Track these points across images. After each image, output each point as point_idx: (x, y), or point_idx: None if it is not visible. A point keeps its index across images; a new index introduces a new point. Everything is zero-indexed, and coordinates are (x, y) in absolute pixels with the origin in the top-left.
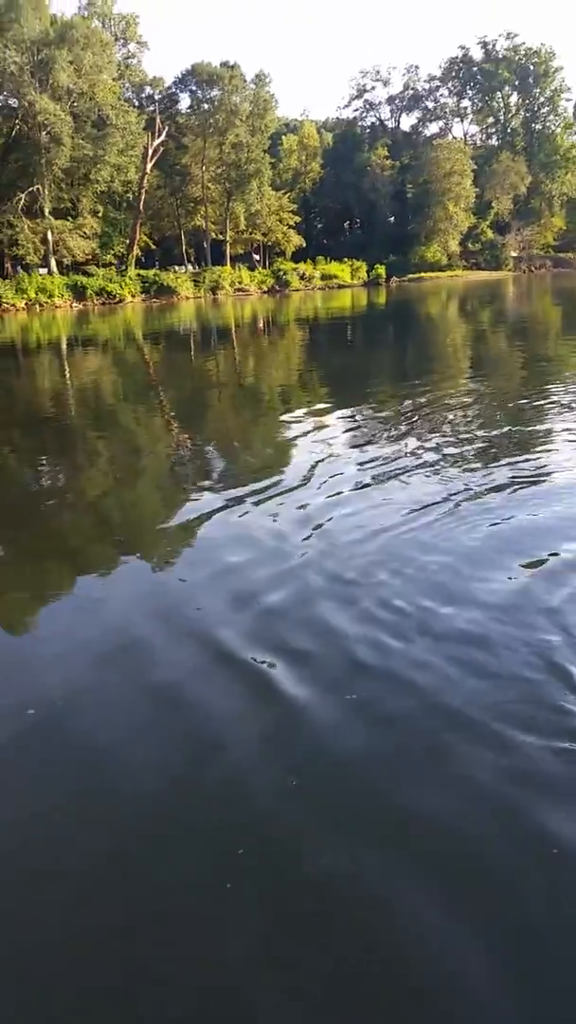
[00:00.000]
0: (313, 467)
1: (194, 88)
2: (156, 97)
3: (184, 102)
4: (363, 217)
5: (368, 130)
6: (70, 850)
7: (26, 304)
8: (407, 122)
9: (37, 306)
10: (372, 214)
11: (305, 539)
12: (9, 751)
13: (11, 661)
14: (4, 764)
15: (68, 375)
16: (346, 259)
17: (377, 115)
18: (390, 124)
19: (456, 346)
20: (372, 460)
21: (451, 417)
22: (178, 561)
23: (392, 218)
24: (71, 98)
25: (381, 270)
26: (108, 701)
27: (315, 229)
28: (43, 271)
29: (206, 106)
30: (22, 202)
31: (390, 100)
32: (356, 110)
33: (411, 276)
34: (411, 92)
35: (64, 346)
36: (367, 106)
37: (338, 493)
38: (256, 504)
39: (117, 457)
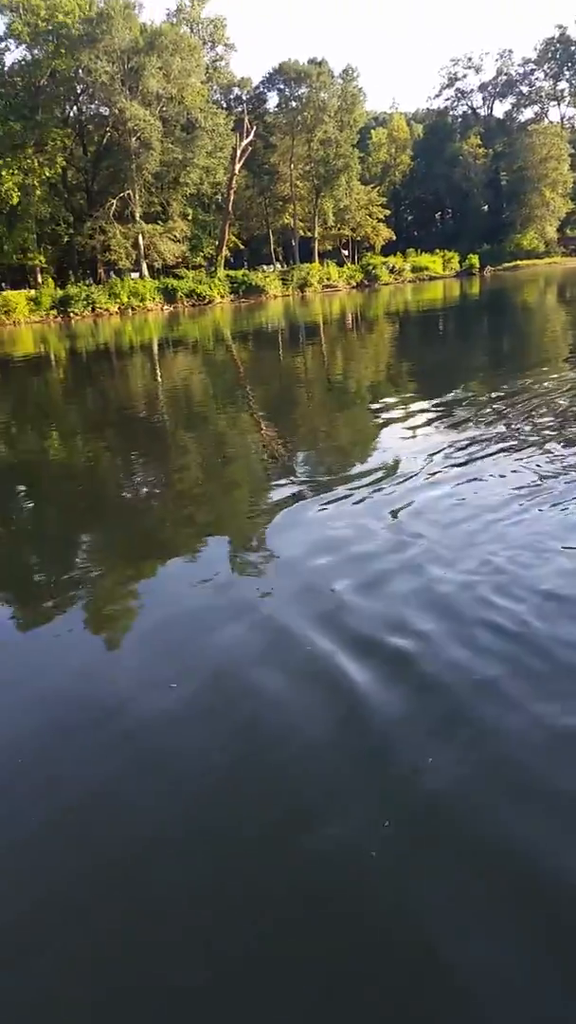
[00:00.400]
0: (408, 460)
1: (282, 86)
2: (244, 98)
3: (272, 101)
4: (455, 207)
5: (460, 119)
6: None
7: (119, 308)
8: (500, 108)
9: (130, 310)
10: (464, 204)
11: (413, 532)
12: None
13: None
14: (174, 727)
15: (159, 375)
16: (438, 250)
17: (469, 103)
18: (482, 112)
19: (555, 335)
20: (468, 451)
21: (550, 406)
22: (289, 551)
23: (486, 207)
24: (160, 103)
25: (474, 260)
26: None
27: (405, 221)
28: (135, 275)
29: (294, 104)
30: (114, 208)
31: (482, 87)
32: (447, 99)
33: (506, 265)
34: (504, 78)
35: (155, 348)
36: (458, 95)
37: (436, 485)
38: (357, 496)
39: (207, 453)
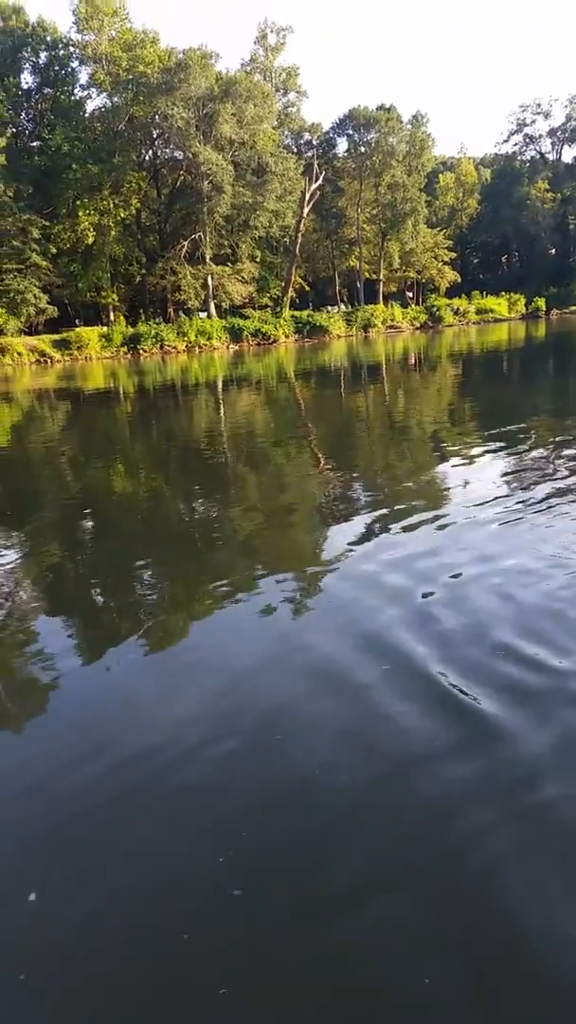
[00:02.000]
0: (468, 503)
1: (351, 132)
2: (314, 142)
3: (341, 146)
4: (522, 250)
5: (528, 164)
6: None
7: (187, 346)
8: (569, 153)
9: (197, 348)
10: (531, 247)
11: (474, 579)
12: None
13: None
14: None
15: (222, 412)
16: (503, 293)
17: (537, 148)
18: (551, 157)
19: None
20: (528, 496)
21: None
22: (346, 593)
23: (553, 250)
24: (233, 148)
25: (541, 303)
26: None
27: (471, 264)
28: (203, 314)
29: (363, 149)
30: (185, 249)
31: (551, 133)
32: (515, 144)
33: (573, 308)
34: (574, 123)
35: (220, 385)
36: (527, 140)
37: (494, 528)
38: (415, 539)
39: (266, 490)
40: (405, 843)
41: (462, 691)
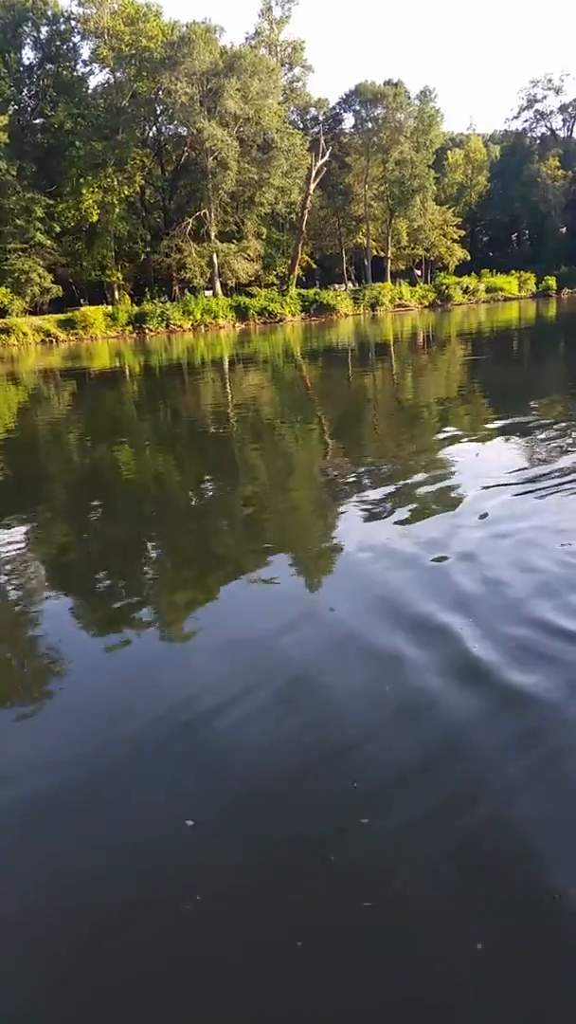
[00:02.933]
0: (475, 483)
1: (358, 107)
2: (320, 118)
3: (348, 121)
4: (532, 229)
5: (538, 140)
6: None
7: (192, 325)
8: None
9: (202, 327)
10: (542, 225)
11: (477, 557)
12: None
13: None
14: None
15: (229, 391)
16: (513, 271)
17: (548, 125)
18: (562, 133)
19: None
20: (539, 476)
21: None
22: (352, 571)
23: (564, 228)
24: (238, 123)
25: (551, 281)
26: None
27: (480, 242)
28: (208, 293)
29: (370, 125)
30: (190, 227)
31: (563, 109)
32: (526, 121)
33: None
34: None
35: (226, 364)
36: (537, 116)
37: (503, 508)
38: (421, 517)
39: (273, 470)
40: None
41: (480, 655)
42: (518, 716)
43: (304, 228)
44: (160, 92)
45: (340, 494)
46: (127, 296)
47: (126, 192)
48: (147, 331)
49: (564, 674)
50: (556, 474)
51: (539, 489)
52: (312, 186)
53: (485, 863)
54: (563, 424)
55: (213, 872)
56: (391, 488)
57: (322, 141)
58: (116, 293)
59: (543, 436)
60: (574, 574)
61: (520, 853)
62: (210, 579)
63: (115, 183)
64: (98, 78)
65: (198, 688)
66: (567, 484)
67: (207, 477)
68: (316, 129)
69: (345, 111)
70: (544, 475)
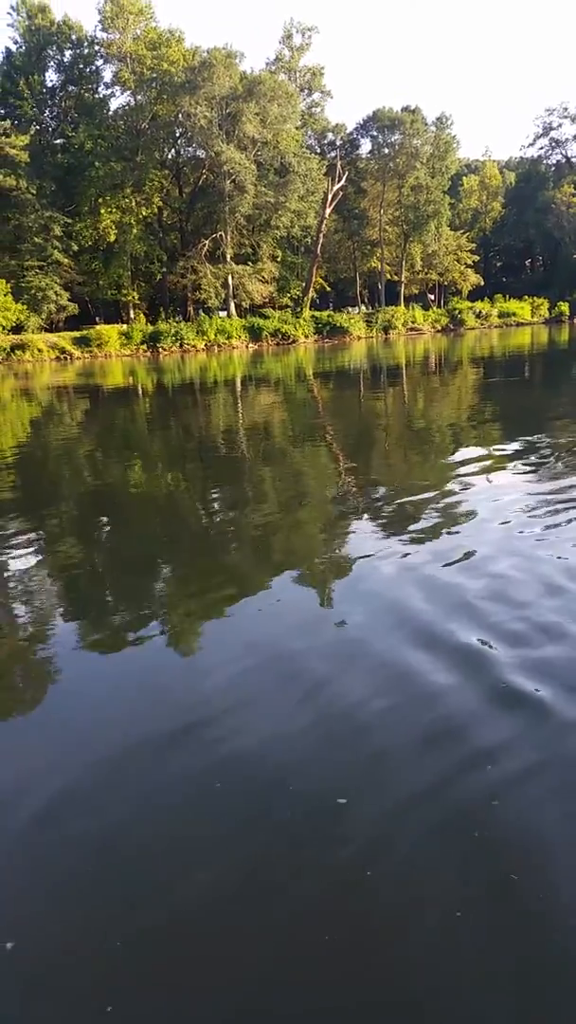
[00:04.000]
0: (484, 507)
1: (375, 133)
2: (337, 143)
3: (365, 147)
4: (546, 255)
5: (553, 168)
6: None
7: (206, 345)
8: None
9: (216, 347)
10: (556, 252)
11: (482, 581)
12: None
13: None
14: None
15: (240, 411)
16: (526, 297)
17: (563, 152)
18: None
19: None
20: (547, 502)
21: None
22: (359, 592)
23: None
24: (255, 147)
25: (564, 307)
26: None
27: (494, 267)
28: (222, 313)
29: (386, 150)
30: (206, 248)
31: None
32: (541, 148)
33: None
34: None
35: (238, 384)
36: (553, 144)
37: (509, 534)
38: (429, 540)
39: (283, 490)
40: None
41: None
42: (534, 737)
43: (319, 251)
44: (180, 115)
45: (350, 515)
46: (142, 315)
47: (144, 213)
48: (161, 350)
49: None
50: (569, 500)
51: (553, 513)
52: (328, 210)
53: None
54: (570, 448)
55: (209, 886)
56: (401, 510)
57: (339, 166)
58: (131, 312)
59: (556, 462)
60: None
61: (552, 901)
62: (217, 596)
63: (133, 204)
64: (119, 100)
65: (205, 704)
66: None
67: (216, 495)
68: (333, 154)
69: (362, 136)
70: (558, 500)
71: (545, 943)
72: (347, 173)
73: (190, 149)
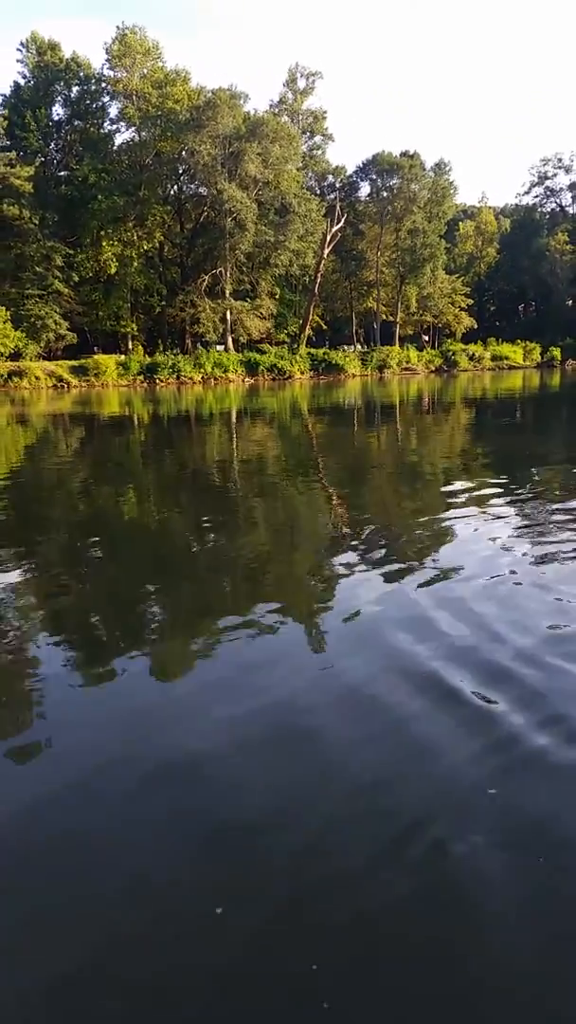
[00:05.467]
0: (472, 551)
1: (374, 176)
2: (337, 185)
3: (364, 189)
4: (539, 300)
5: (548, 216)
6: None
7: (202, 377)
8: None
9: (212, 380)
10: (549, 298)
11: (473, 623)
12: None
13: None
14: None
15: (235, 444)
16: (519, 341)
17: (558, 201)
18: (571, 210)
19: None
20: (535, 548)
21: None
22: (348, 630)
23: (570, 301)
24: (257, 187)
25: (556, 352)
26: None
27: (488, 311)
28: (220, 347)
29: (385, 194)
30: (205, 283)
31: (572, 186)
32: (536, 196)
33: None
34: None
35: (233, 417)
36: (547, 192)
37: (498, 579)
38: (419, 580)
39: (275, 525)
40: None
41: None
42: (521, 780)
43: (316, 290)
44: (183, 152)
45: (339, 552)
46: (140, 347)
47: (145, 246)
48: (158, 381)
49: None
50: (560, 542)
51: (544, 555)
52: (326, 250)
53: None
54: (565, 493)
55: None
56: (394, 547)
57: (338, 207)
58: (130, 343)
59: (546, 504)
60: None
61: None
62: (205, 630)
63: (135, 237)
64: (124, 136)
65: (189, 738)
66: (570, 553)
67: (207, 527)
68: (333, 195)
69: (362, 179)
70: (548, 542)
71: None
72: (346, 215)
73: (192, 186)
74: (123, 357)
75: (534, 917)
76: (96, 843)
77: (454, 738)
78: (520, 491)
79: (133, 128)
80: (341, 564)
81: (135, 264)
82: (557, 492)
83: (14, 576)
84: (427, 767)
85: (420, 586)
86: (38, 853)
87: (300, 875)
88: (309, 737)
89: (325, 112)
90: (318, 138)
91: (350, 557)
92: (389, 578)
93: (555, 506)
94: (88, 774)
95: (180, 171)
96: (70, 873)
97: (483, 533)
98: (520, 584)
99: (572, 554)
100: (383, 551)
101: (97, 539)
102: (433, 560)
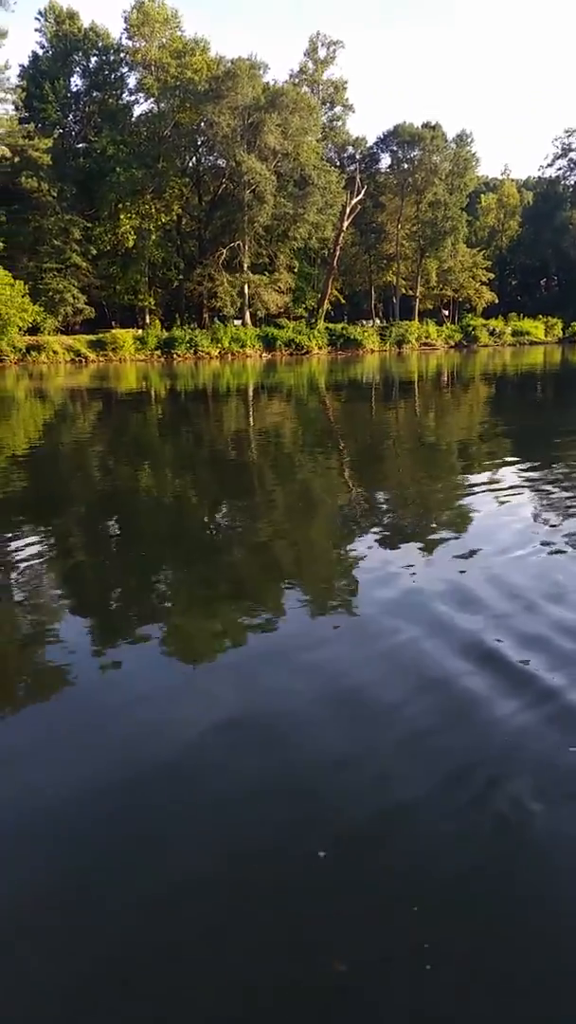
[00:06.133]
0: (489, 526)
1: (395, 148)
2: (357, 156)
3: (384, 161)
4: (562, 275)
5: (571, 188)
6: None
7: (220, 352)
8: None
9: (229, 355)
10: (571, 272)
11: (490, 598)
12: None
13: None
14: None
15: (252, 419)
16: (540, 316)
17: None
18: None
19: None
20: (553, 524)
21: None
22: (364, 606)
23: None
24: (276, 158)
25: None
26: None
27: (509, 286)
28: (238, 322)
29: (406, 165)
30: (223, 257)
31: None
32: (559, 169)
33: None
34: None
35: (251, 392)
36: (571, 164)
37: (515, 555)
38: (437, 556)
39: (291, 500)
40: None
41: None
42: (521, 763)
43: (335, 264)
44: (202, 123)
45: (356, 531)
46: (158, 321)
47: (163, 219)
48: (175, 356)
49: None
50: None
51: (557, 539)
52: (346, 223)
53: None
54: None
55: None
56: (407, 529)
57: (358, 179)
58: (147, 317)
59: (561, 486)
60: None
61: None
62: (218, 609)
63: (153, 210)
64: (142, 107)
65: (194, 720)
66: None
67: (224, 502)
68: (352, 167)
69: (382, 151)
70: (563, 524)
71: None
72: (366, 187)
73: (211, 158)
74: (140, 331)
75: None
76: (87, 818)
77: (494, 694)
78: (543, 467)
79: (152, 99)
80: (356, 547)
81: (153, 237)
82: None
83: (30, 551)
84: (472, 719)
85: (455, 558)
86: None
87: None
88: (311, 727)
89: (346, 82)
90: (338, 108)
91: (377, 531)
92: (423, 550)
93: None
94: (87, 751)
95: (199, 142)
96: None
97: (510, 508)
98: (556, 554)
99: None
100: (413, 525)
101: (113, 513)
102: (463, 533)
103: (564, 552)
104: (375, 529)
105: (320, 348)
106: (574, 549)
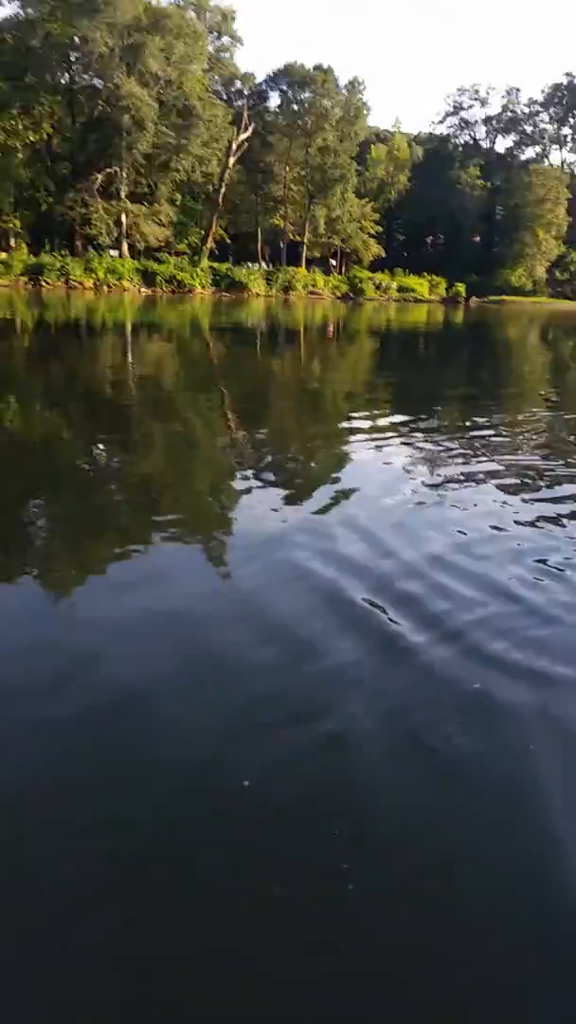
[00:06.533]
0: (371, 473)
1: (285, 88)
2: (245, 92)
3: (273, 101)
4: (447, 234)
5: (461, 148)
6: None
7: (94, 284)
8: (502, 144)
9: (105, 287)
10: (457, 232)
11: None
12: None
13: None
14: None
15: (130, 359)
16: (425, 274)
17: (472, 134)
18: (484, 144)
19: (534, 373)
20: (432, 477)
21: (518, 443)
22: (245, 540)
23: (478, 238)
24: (158, 85)
25: (461, 288)
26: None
27: (396, 241)
28: (114, 253)
29: (295, 107)
30: (99, 182)
31: (486, 121)
32: (450, 127)
33: (492, 298)
34: (509, 115)
35: (129, 329)
36: (462, 124)
37: (384, 501)
38: (316, 499)
39: (171, 442)
40: None
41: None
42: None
43: (221, 201)
44: (76, 39)
45: (239, 472)
46: (24, 245)
47: (32, 137)
48: (44, 284)
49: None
50: (456, 474)
51: (440, 484)
52: (231, 160)
53: None
54: (460, 425)
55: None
56: (293, 471)
57: (245, 116)
58: (12, 240)
59: (445, 436)
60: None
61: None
62: (99, 549)
63: (20, 127)
64: (7, 9)
65: (83, 655)
66: (463, 482)
67: (98, 443)
68: (240, 103)
69: (271, 89)
70: (440, 479)
71: None
72: (254, 125)
73: (86, 77)
74: (4, 255)
75: None
76: None
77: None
78: (420, 422)
79: (18, 3)
80: (241, 484)
81: (19, 156)
82: (456, 424)
83: None
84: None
85: (322, 508)
86: None
87: None
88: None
89: (234, 12)
90: (226, 39)
91: (250, 478)
92: (290, 499)
93: (453, 437)
94: None
95: (72, 59)
96: None
97: (382, 459)
98: (419, 505)
99: (467, 481)
100: (285, 472)
101: None
102: (335, 482)
103: (429, 501)
104: (249, 471)
105: (203, 288)
106: (440, 496)
